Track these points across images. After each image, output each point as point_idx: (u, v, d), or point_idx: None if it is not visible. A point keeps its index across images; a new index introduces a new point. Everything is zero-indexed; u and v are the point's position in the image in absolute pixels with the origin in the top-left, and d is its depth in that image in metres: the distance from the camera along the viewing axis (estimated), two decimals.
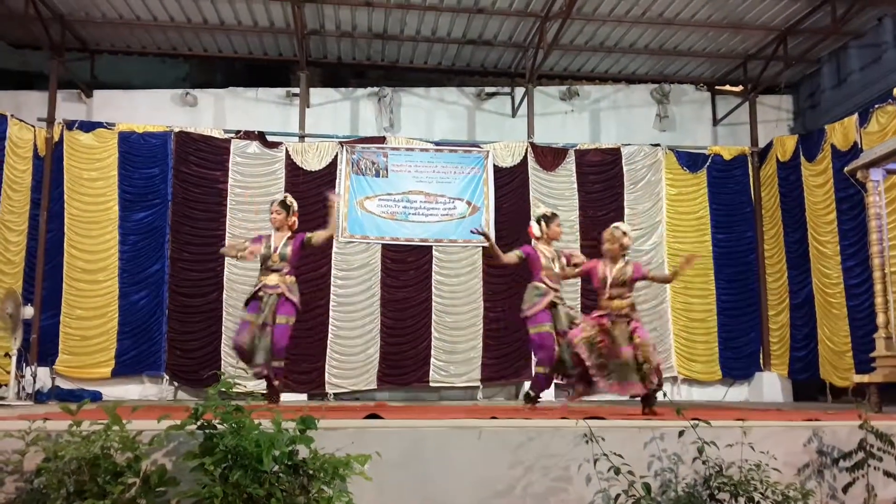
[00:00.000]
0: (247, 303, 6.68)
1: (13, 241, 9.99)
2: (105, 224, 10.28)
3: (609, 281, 5.84)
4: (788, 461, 4.00)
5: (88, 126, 10.50)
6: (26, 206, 10.16)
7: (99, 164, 10.37)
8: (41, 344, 9.79)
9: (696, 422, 3.74)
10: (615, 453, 3.60)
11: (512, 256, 6.74)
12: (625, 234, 5.96)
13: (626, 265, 5.90)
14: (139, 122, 10.56)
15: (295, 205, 6.87)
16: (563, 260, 6.88)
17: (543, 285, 6.69)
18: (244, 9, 10.46)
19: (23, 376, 8.74)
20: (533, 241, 6.98)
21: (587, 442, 3.66)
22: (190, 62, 12.42)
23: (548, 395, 10.41)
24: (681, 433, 3.77)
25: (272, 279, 6.56)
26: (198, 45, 11.51)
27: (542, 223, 6.88)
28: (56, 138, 10.35)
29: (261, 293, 6.55)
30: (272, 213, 6.79)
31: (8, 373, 8.61)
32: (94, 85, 11.40)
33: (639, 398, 5.72)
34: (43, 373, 9.51)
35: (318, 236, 6.74)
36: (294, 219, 6.83)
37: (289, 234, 6.73)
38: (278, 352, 6.47)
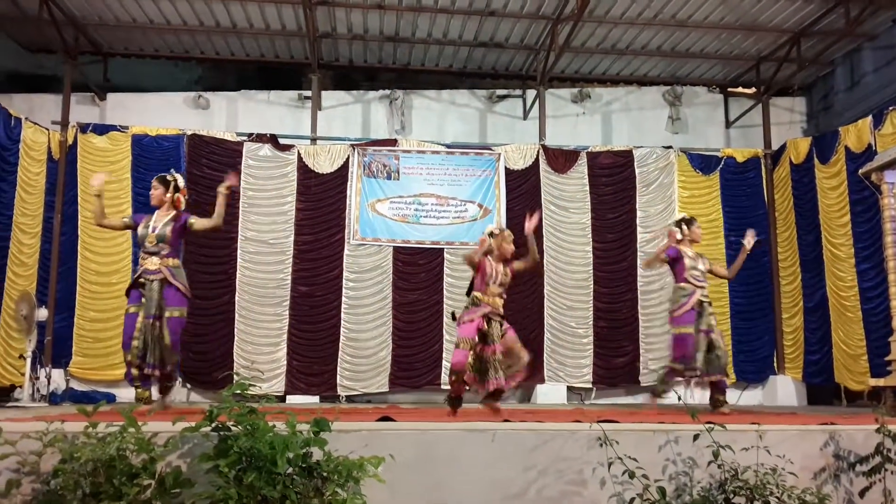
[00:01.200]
0: (128, 291, 6.08)
1: (27, 244, 10.05)
2: None
3: (495, 279, 6.01)
4: (805, 465, 3.98)
5: (102, 129, 10.57)
6: (40, 208, 10.22)
7: (112, 167, 10.39)
8: (55, 346, 9.83)
9: (711, 425, 3.72)
10: (629, 457, 3.59)
11: (655, 261, 7.38)
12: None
13: (507, 266, 6.12)
14: (152, 125, 10.61)
15: (180, 181, 6.26)
16: (706, 261, 7.23)
17: (689, 285, 7.02)
18: (256, 12, 10.50)
19: (37, 378, 8.82)
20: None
21: (601, 445, 3.66)
22: (202, 65, 12.46)
23: (560, 397, 10.46)
24: (696, 437, 3.75)
25: (152, 263, 5.93)
26: (210, 48, 11.57)
27: (683, 226, 7.24)
28: (70, 141, 10.41)
29: (142, 279, 5.93)
30: (151, 191, 6.19)
31: (23, 374, 8.68)
32: (108, 88, 11.47)
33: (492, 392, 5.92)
34: (57, 374, 9.57)
35: (199, 223, 6.15)
36: (179, 196, 6.18)
37: (172, 212, 6.11)
38: (174, 347, 5.86)
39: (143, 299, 5.90)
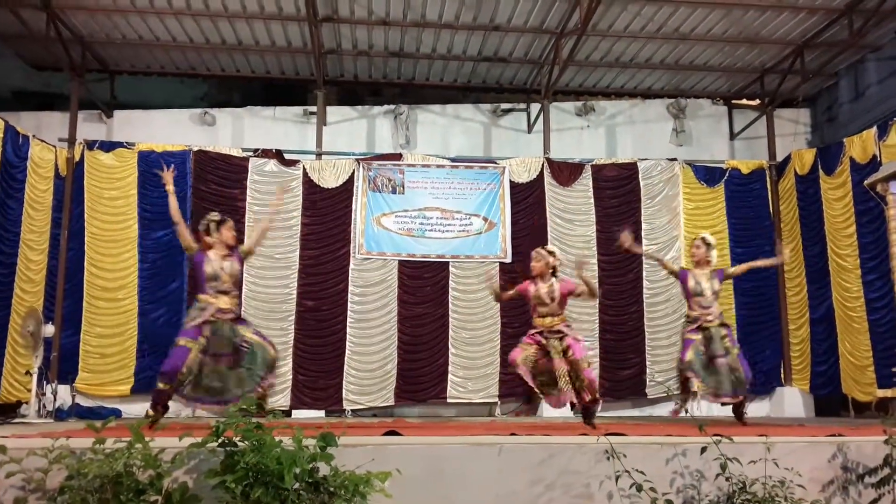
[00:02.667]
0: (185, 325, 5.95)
1: (34, 260, 10.08)
2: (125, 243, 10.36)
3: (540, 299, 6.18)
4: (813, 477, 3.96)
5: (108, 146, 10.63)
6: (47, 225, 10.26)
7: (119, 184, 10.47)
8: (62, 362, 9.84)
9: (719, 438, 3.71)
10: (637, 470, 3.57)
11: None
12: (551, 254, 6.30)
13: (552, 283, 6.19)
14: (158, 142, 10.67)
15: (226, 221, 6.20)
16: (719, 280, 6.90)
17: (692, 312, 6.85)
18: (262, 29, 10.57)
19: (43, 394, 8.84)
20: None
21: (608, 458, 3.64)
22: (208, 82, 12.56)
23: (566, 410, 10.40)
24: (703, 449, 3.74)
25: (224, 302, 5.91)
26: (216, 65, 11.64)
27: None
28: (77, 158, 10.47)
29: (212, 318, 5.83)
30: (223, 231, 6.03)
31: (29, 391, 8.70)
32: (114, 105, 11.55)
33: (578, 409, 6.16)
34: (63, 390, 9.59)
35: (247, 247, 6.23)
36: (224, 232, 6.11)
37: (226, 251, 6.02)
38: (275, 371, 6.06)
39: (202, 338, 5.79)
